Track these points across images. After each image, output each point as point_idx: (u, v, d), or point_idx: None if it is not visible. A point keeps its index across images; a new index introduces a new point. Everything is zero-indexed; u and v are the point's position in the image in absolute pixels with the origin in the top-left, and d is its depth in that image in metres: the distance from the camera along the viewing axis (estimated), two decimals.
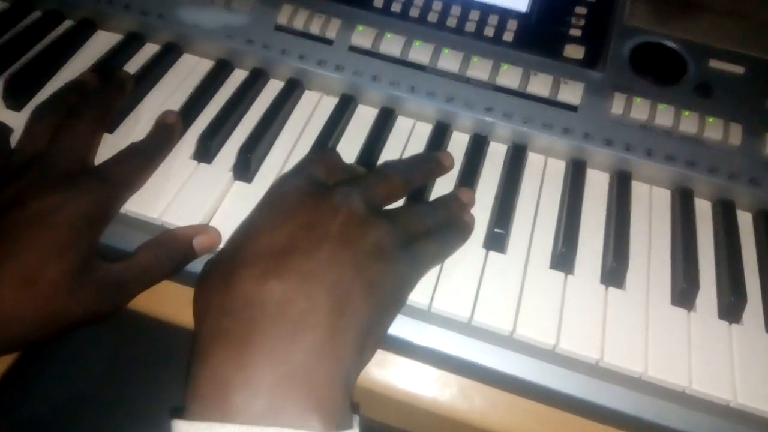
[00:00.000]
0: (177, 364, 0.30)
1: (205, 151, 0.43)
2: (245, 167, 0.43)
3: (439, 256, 0.38)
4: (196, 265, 0.38)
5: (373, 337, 0.31)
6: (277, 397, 0.25)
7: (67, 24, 0.52)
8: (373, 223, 0.33)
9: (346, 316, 0.28)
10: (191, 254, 0.38)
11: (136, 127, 0.45)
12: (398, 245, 0.34)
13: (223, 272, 0.30)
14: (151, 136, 0.43)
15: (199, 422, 0.25)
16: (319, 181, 0.37)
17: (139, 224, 0.40)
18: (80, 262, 0.33)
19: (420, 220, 0.38)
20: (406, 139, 0.47)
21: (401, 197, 0.41)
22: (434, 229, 0.38)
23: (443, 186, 0.44)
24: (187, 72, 0.50)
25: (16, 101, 0.45)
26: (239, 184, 0.43)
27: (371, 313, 0.30)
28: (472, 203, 0.43)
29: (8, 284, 0.31)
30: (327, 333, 0.27)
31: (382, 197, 0.38)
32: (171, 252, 0.37)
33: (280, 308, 0.27)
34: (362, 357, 0.30)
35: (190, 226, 0.39)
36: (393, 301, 0.33)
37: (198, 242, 0.38)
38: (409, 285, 0.35)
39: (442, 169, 0.44)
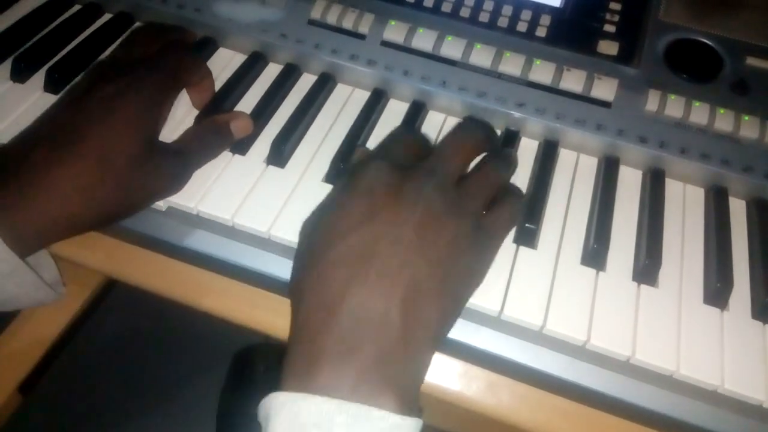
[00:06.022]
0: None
1: (240, 143, 0.44)
2: (278, 158, 0.43)
3: (513, 222, 0.40)
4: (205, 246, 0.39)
5: (447, 325, 0.34)
6: (359, 381, 0.30)
7: (106, 17, 0.54)
8: (448, 220, 0.34)
9: (418, 317, 0.32)
10: (230, 136, 0.43)
11: (170, 122, 0.45)
12: (473, 229, 0.35)
13: (315, 267, 0.33)
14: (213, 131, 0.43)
15: (294, 392, 0.30)
16: (398, 167, 0.36)
17: (177, 214, 0.41)
18: (146, 139, 0.38)
19: (496, 183, 0.39)
20: (437, 134, 0.47)
21: (481, 153, 0.41)
22: (508, 191, 0.40)
23: None
24: (223, 65, 0.50)
25: (55, 87, 0.47)
26: (273, 175, 0.43)
27: (444, 308, 0.33)
28: None
29: (90, 160, 0.36)
30: (401, 332, 0.31)
31: (458, 169, 0.38)
32: (214, 132, 0.43)
33: (361, 311, 0.31)
34: (435, 346, 0.33)
35: (227, 113, 0.45)
36: (466, 289, 0.36)
37: (234, 126, 0.43)
38: (484, 266, 0.37)
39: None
